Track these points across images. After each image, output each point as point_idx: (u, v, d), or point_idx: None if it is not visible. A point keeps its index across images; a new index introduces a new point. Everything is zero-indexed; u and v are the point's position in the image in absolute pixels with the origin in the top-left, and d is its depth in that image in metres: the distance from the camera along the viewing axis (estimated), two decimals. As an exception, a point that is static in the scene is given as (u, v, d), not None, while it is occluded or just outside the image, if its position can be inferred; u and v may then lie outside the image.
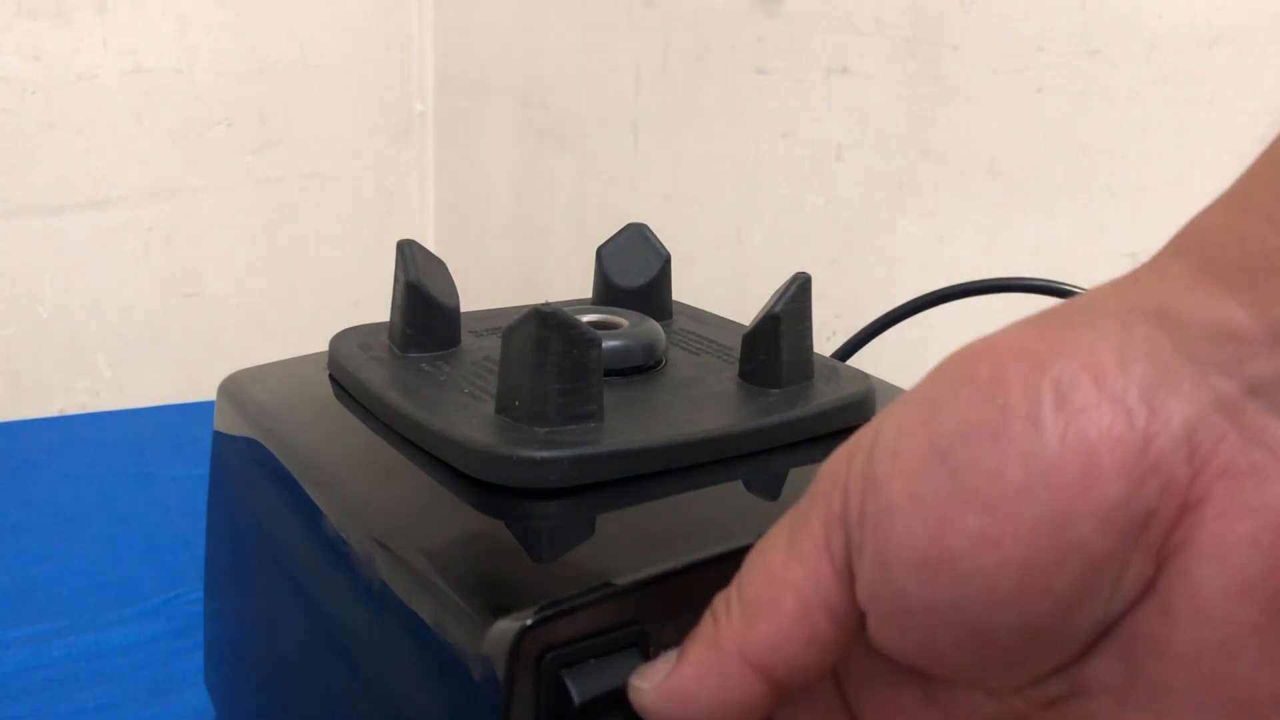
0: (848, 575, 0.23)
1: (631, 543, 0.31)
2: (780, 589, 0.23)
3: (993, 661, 0.22)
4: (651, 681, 0.25)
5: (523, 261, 1.19)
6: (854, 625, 0.23)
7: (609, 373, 0.38)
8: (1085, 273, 0.73)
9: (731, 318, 0.47)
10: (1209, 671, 0.20)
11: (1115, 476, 0.20)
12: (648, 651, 0.28)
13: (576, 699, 0.27)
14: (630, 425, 0.34)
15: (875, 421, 0.23)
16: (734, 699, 0.24)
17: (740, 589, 0.25)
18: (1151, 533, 0.20)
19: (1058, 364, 0.20)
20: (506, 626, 0.26)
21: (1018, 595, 0.20)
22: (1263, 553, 0.19)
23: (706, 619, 0.25)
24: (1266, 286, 0.20)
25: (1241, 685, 0.20)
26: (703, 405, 0.37)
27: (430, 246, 0.42)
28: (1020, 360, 0.21)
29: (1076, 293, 0.53)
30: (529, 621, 0.26)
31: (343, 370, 0.40)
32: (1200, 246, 0.22)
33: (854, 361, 0.52)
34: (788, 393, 0.38)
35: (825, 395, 0.38)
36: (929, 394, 0.22)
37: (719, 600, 0.25)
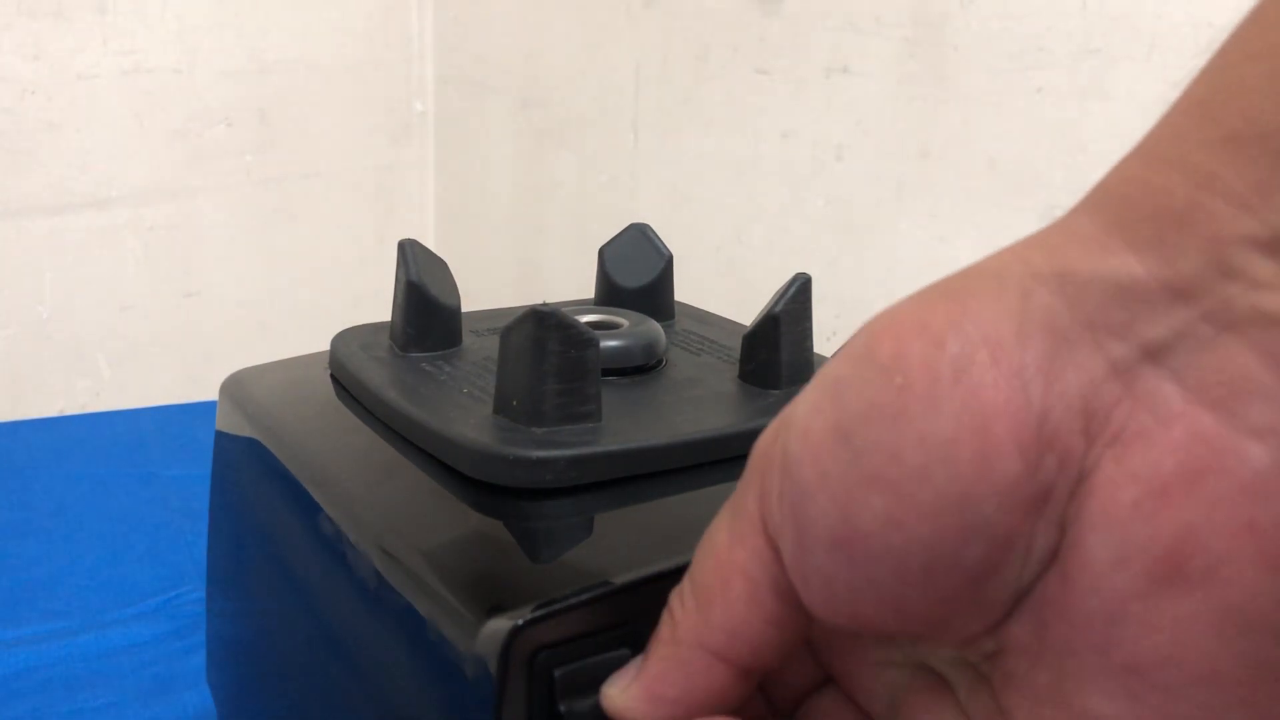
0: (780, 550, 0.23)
1: (627, 543, 0.31)
2: (728, 573, 0.24)
3: (918, 626, 0.22)
4: (619, 686, 0.25)
5: (523, 261, 1.19)
6: (800, 602, 0.23)
7: (608, 373, 0.38)
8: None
9: (731, 318, 0.47)
10: (1100, 637, 0.20)
11: (1012, 454, 0.20)
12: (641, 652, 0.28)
13: (568, 699, 0.27)
14: (629, 425, 0.34)
15: (796, 398, 0.23)
16: (701, 690, 0.24)
17: (692, 580, 0.25)
18: (1052, 505, 0.20)
19: (956, 340, 0.20)
20: (499, 626, 0.26)
21: (928, 571, 0.21)
22: (1144, 519, 0.19)
23: (664, 616, 0.25)
24: (1169, 238, 0.19)
25: (1129, 650, 0.20)
26: (702, 406, 0.37)
27: (430, 246, 0.42)
28: (920, 336, 0.21)
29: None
30: (521, 621, 0.26)
31: (343, 370, 0.40)
32: (1109, 201, 0.21)
33: (854, 361, 0.52)
34: (788, 393, 0.38)
35: (824, 395, 0.38)
36: (838, 371, 0.22)
37: (674, 596, 0.25)
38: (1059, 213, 0.23)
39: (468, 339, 0.42)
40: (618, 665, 0.27)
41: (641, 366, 0.39)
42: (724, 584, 0.24)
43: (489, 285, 1.19)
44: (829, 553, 0.21)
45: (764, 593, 0.23)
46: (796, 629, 0.24)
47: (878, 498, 0.21)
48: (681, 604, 0.25)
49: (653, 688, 0.25)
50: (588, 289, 0.48)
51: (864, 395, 0.21)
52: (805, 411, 0.22)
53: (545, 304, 0.34)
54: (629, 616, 0.28)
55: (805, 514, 0.22)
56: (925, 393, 0.20)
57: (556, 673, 0.27)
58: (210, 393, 0.45)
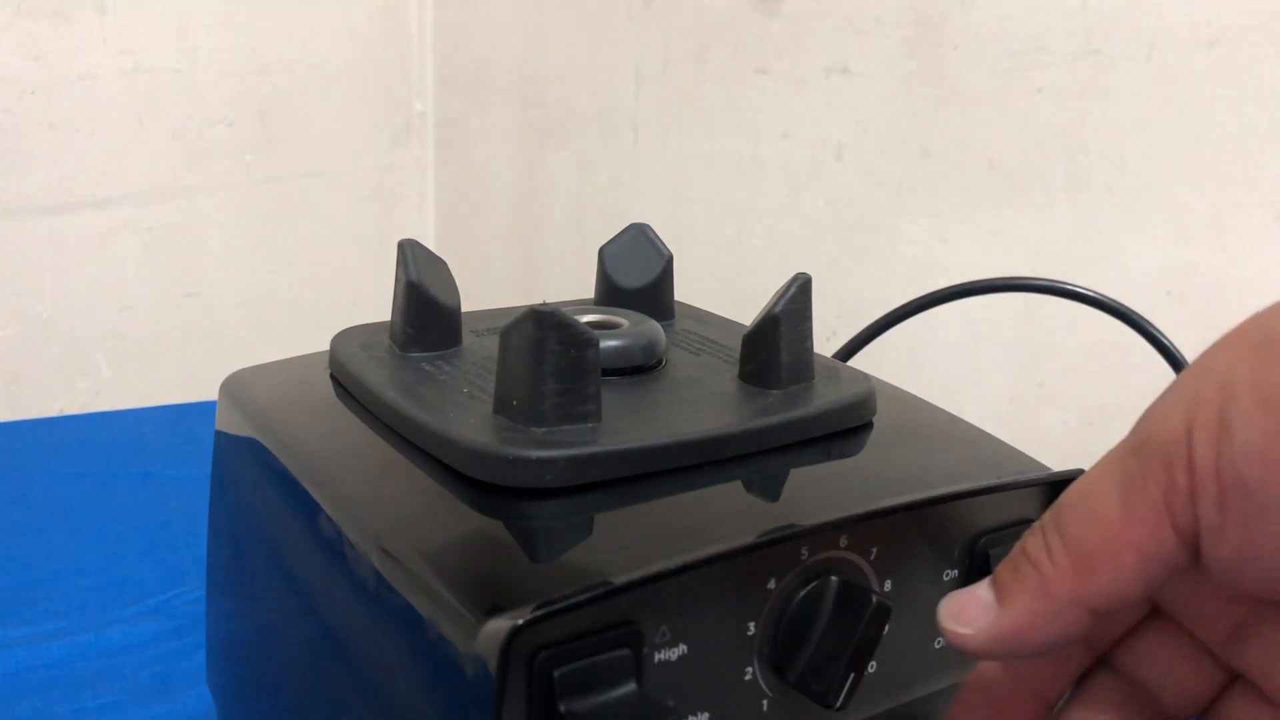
0: (1193, 543, 0.25)
1: (626, 543, 0.31)
2: (1120, 546, 0.25)
3: None
4: (974, 626, 0.27)
5: (523, 261, 1.19)
6: (1184, 568, 0.25)
7: (608, 372, 0.38)
8: (1085, 273, 0.73)
9: (731, 318, 0.47)
10: None
11: None
12: (641, 652, 0.28)
13: (568, 699, 0.27)
14: (628, 425, 0.34)
15: (1214, 397, 0.24)
16: (1067, 637, 0.26)
17: (1064, 539, 0.26)
18: None
19: None
20: (499, 626, 0.26)
21: None
22: None
23: (1027, 568, 0.27)
24: None
25: None
26: (701, 406, 0.37)
27: (430, 246, 0.42)
28: None
29: (1077, 293, 0.54)
30: (521, 621, 0.26)
31: (343, 370, 0.40)
32: None
33: (854, 361, 0.52)
34: (787, 393, 0.38)
35: (825, 396, 0.38)
36: None
37: (1036, 550, 0.27)
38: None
39: (468, 339, 0.42)
40: (618, 665, 0.28)
41: (641, 366, 0.39)
42: (1114, 555, 0.25)
43: (489, 285, 1.19)
44: None
45: (1154, 569, 0.25)
46: (1150, 602, 0.27)
47: None
48: (1052, 561, 0.26)
49: (1022, 632, 0.26)
50: (588, 289, 0.48)
51: None
52: (1257, 439, 0.23)
53: (545, 304, 0.34)
54: (629, 616, 0.28)
55: (1264, 529, 0.23)
56: None
57: (556, 673, 0.27)
58: (210, 393, 0.45)
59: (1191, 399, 0.24)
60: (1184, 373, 0.25)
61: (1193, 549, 0.25)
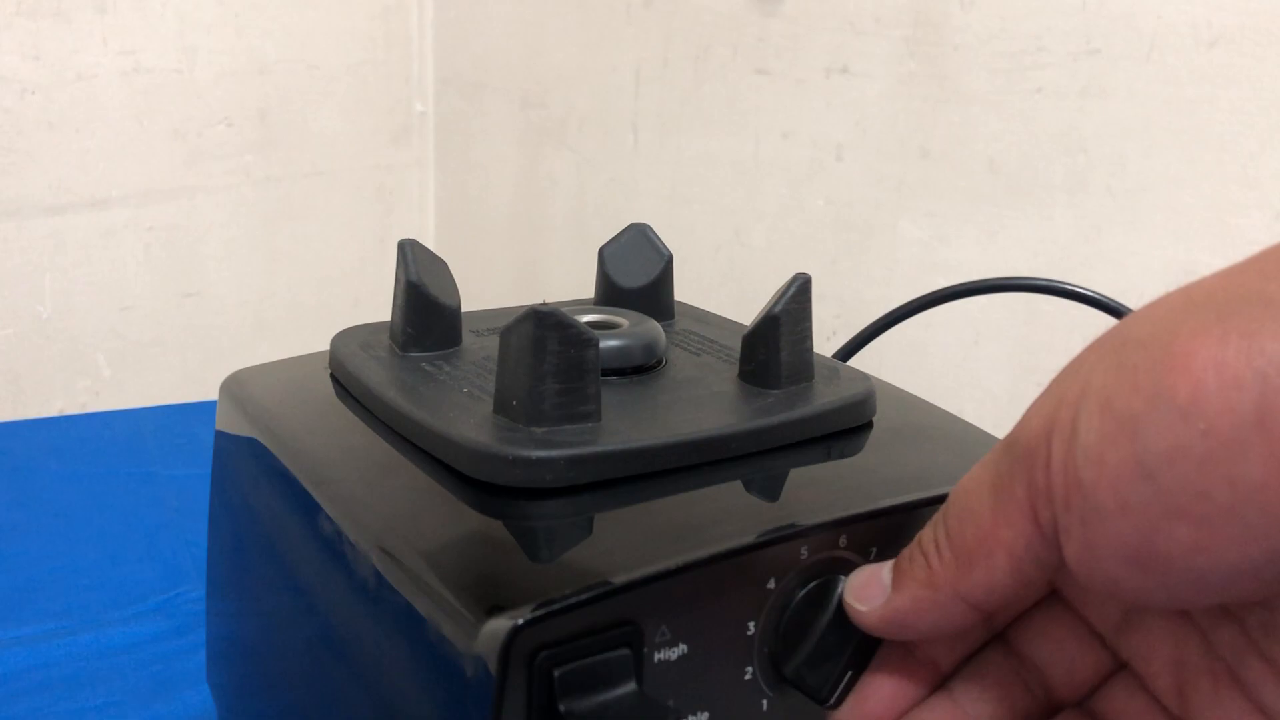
0: (1055, 541, 0.25)
1: (626, 543, 0.31)
2: (992, 545, 0.26)
3: (1203, 615, 0.25)
4: (869, 605, 0.29)
5: (523, 261, 1.19)
6: (1056, 566, 0.26)
7: (608, 372, 0.38)
8: (1085, 273, 0.73)
9: (731, 318, 0.47)
10: None
11: None
12: (641, 651, 0.28)
13: (568, 699, 0.27)
14: (628, 425, 0.34)
15: (1069, 398, 0.24)
16: (950, 626, 0.28)
17: (949, 536, 0.27)
18: None
19: (1256, 383, 0.21)
20: (499, 625, 0.26)
21: (1228, 584, 0.22)
22: None
23: (918, 558, 0.28)
24: None
25: None
26: (701, 406, 0.37)
27: (430, 246, 0.42)
28: (1218, 378, 0.21)
29: (1077, 293, 0.54)
30: (521, 621, 0.26)
31: (343, 369, 0.40)
32: None
33: (854, 361, 0.52)
34: (787, 393, 0.38)
35: (825, 396, 0.38)
36: (1127, 405, 0.23)
37: (928, 543, 0.28)
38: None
39: (468, 339, 0.42)
40: (618, 665, 0.27)
41: (641, 366, 0.39)
42: (988, 553, 0.26)
43: (489, 285, 1.19)
44: (1123, 566, 0.23)
45: (1025, 566, 0.26)
46: (1044, 587, 0.27)
47: (1184, 529, 0.22)
48: (939, 556, 0.27)
49: (906, 617, 0.28)
50: (588, 289, 0.48)
51: (1165, 438, 0.22)
52: (1094, 441, 0.23)
53: (545, 304, 0.34)
54: (629, 616, 0.28)
55: (1100, 532, 0.23)
56: (1230, 438, 0.21)
57: (556, 673, 0.27)
58: (210, 393, 0.45)
59: (1055, 401, 0.25)
60: (1058, 374, 0.26)
61: (1057, 548, 0.25)
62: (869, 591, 0.29)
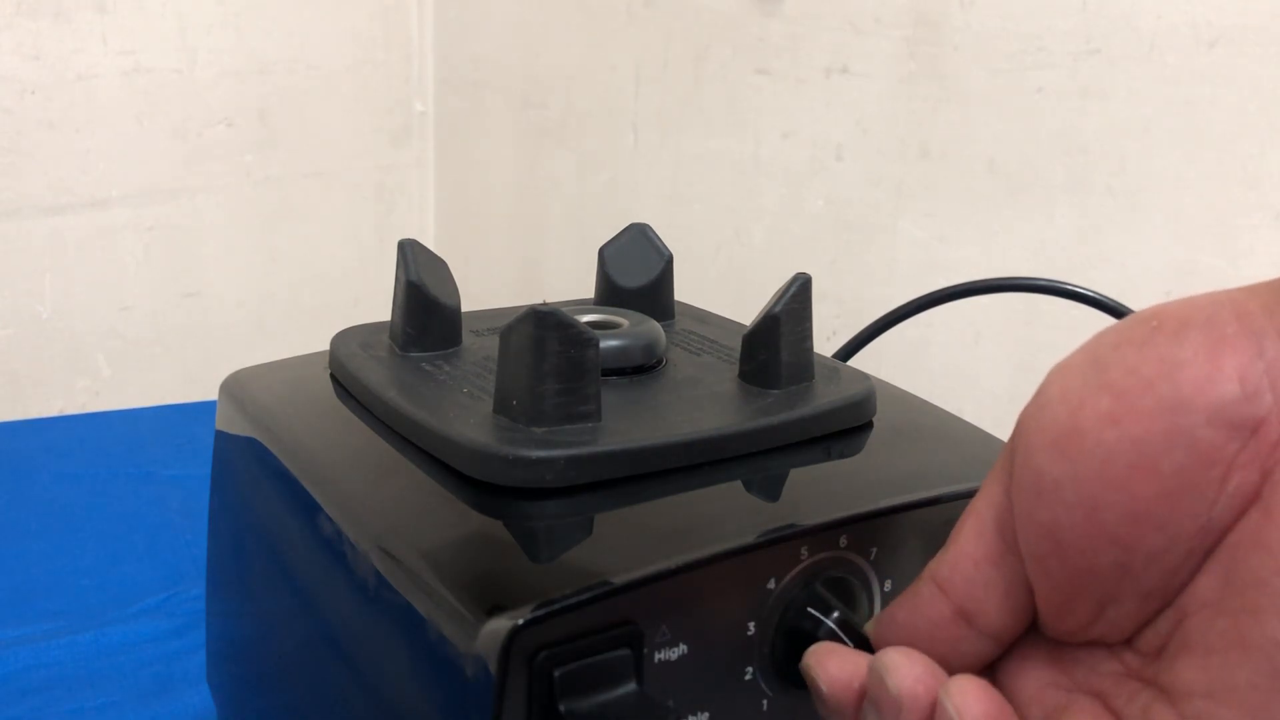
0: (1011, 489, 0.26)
1: (627, 543, 0.31)
2: (966, 514, 0.28)
3: (1106, 539, 0.24)
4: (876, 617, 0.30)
5: (523, 261, 1.19)
6: (1016, 541, 0.26)
7: (608, 372, 0.38)
8: (1085, 273, 0.73)
9: (731, 318, 0.47)
10: None
11: (1233, 379, 0.23)
12: (641, 651, 0.28)
13: (568, 699, 0.27)
14: (628, 425, 0.34)
15: (1057, 374, 0.26)
16: (923, 619, 0.28)
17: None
18: (1261, 439, 0.23)
19: (1210, 306, 0.24)
20: (499, 626, 0.26)
21: (1129, 473, 0.24)
22: None
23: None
24: None
25: None
26: (701, 406, 0.37)
27: (430, 246, 0.42)
28: (1183, 305, 0.24)
29: (1077, 293, 0.53)
30: (521, 621, 0.26)
31: (343, 369, 0.40)
32: None
33: (854, 361, 0.52)
34: (787, 393, 0.38)
35: (825, 396, 0.38)
36: (1103, 336, 0.25)
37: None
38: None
39: (468, 339, 0.42)
40: (618, 665, 0.27)
41: (641, 366, 0.39)
42: (961, 523, 0.28)
43: (489, 285, 1.19)
44: (1048, 451, 0.25)
45: (988, 530, 0.27)
46: (1009, 575, 0.27)
47: (1106, 398, 0.24)
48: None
49: (890, 609, 0.29)
50: (588, 289, 0.48)
51: (1120, 332, 0.25)
52: (1062, 363, 0.26)
53: (545, 304, 0.34)
54: (629, 616, 0.28)
55: (1039, 422, 0.25)
56: (1174, 331, 0.24)
57: (556, 673, 0.27)
58: (210, 393, 0.45)
59: (1049, 383, 0.26)
60: None
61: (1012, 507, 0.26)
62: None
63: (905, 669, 0.26)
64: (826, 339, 0.82)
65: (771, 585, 0.31)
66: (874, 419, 0.39)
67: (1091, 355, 0.25)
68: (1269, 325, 0.23)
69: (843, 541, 0.32)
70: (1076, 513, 0.24)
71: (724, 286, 0.96)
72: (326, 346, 0.42)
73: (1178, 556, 0.24)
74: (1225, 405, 0.23)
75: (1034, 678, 0.28)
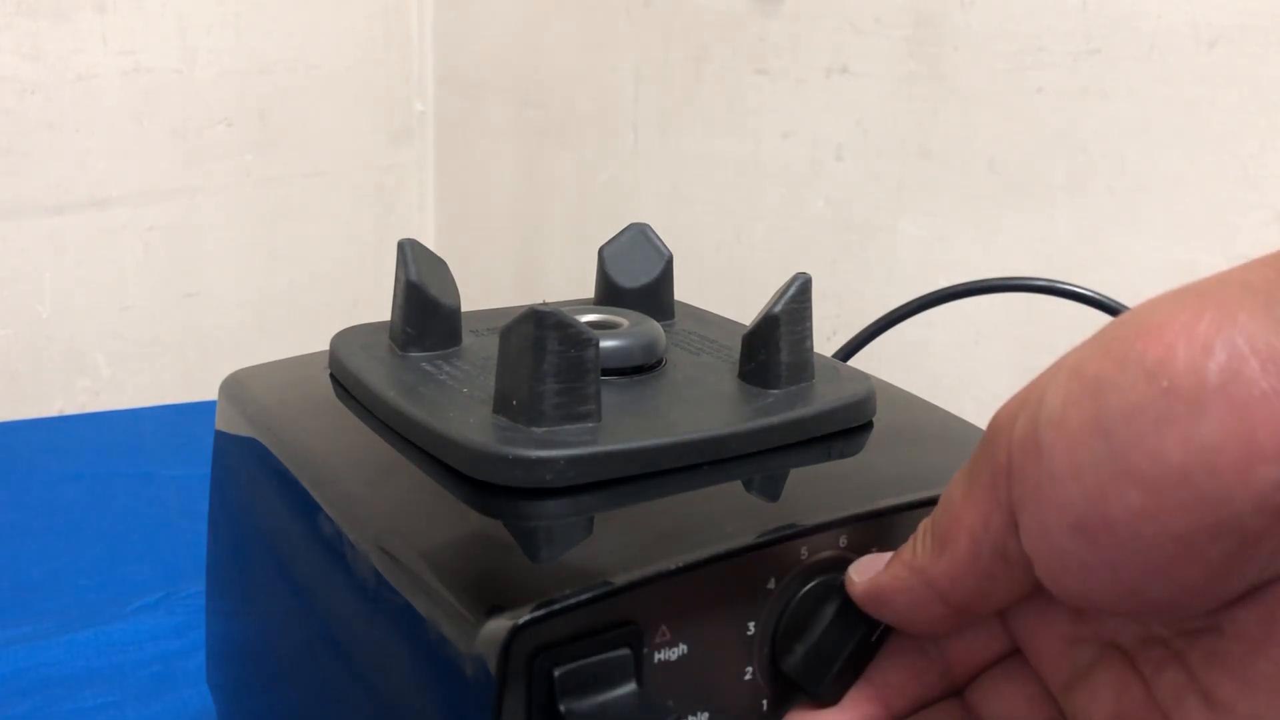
0: (1013, 522, 0.25)
1: (626, 543, 0.31)
2: (957, 529, 0.26)
3: (1144, 610, 0.24)
4: (863, 577, 0.29)
5: (523, 261, 1.19)
6: (1028, 564, 0.25)
7: (608, 372, 0.38)
8: (1085, 273, 0.73)
9: (731, 318, 0.47)
10: None
11: (1273, 460, 0.20)
12: (641, 651, 0.28)
13: (568, 699, 0.27)
14: (628, 425, 0.34)
15: (1042, 381, 0.24)
16: (920, 614, 0.28)
17: (934, 519, 0.28)
18: None
19: (1224, 349, 0.21)
20: (499, 626, 0.26)
21: (1173, 562, 0.22)
22: None
23: (909, 541, 0.28)
24: None
25: None
26: (701, 406, 0.37)
27: (430, 246, 0.42)
28: (1187, 342, 0.21)
29: (1077, 293, 0.54)
30: (521, 621, 0.26)
31: (343, 369, 0.40)
32: None
33: (854, 361, 0.52)
34: (787, 393, 0.38)
35: (825, 396, 0.38)
36: (1097, 369, 0.23)
37: (922, 525, 0.28)
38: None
39: (467, 339, 0.42)
40: (618, 665, 0.27)
41: (641, 366, 0.39)
42: (953, 537, 0.26)
43: (489, 285, 1.19)
44: (1071, 536, 0.23)
45: (985, 552, 0.26)
46: (1013, 585, 0.26)
47: (1134, 492, 0.22)
48: (923, 539, 0.28)
49: (884, 594, 0.29)
50: (588, 289, 0.48)
51: (1127, 397, 0.22)
52: (1059, 404, 0.23)
53: (545, 304, 0.34)
54: (629, 616, 0.28)
55: (1051, 499, 0.23)
56: (1191, 397, 0.21)
57: (556, 673, 0.27)
58: (210, 393, 0.45)
59: (1031, 384, 0.25)
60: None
61: (1016, 533, 0.25)
62: (868, 566, 0.30)
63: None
64: (826, 339, 0.82)
65: (771, 585, 0.31)
66: (874, 419, 0.39)
67: (1095, 420, 0.22)
68: None
69: (843, 541, 0.32)
70: (1111, 590, 0.23)
71: (724, 286, 0.96)
72: (326, 346, 0.42)
73: (1218, 602, 0.23)
74: (1270, 491, 0.21)
75: (1057, 633, 0.28)
